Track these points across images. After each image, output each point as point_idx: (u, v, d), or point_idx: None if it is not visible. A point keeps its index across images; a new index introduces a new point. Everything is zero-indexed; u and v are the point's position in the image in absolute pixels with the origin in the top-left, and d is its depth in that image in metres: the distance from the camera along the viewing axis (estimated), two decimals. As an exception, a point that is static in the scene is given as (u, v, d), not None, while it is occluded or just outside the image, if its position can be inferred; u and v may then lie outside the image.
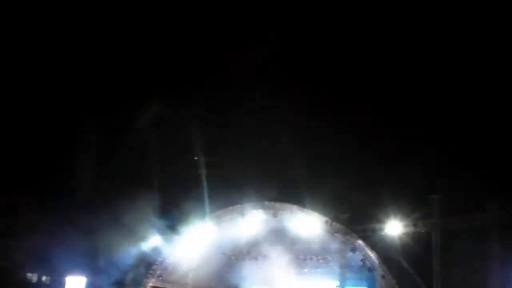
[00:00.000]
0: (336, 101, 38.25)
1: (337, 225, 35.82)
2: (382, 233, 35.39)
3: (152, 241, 40.28)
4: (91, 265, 39.62)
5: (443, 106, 35.18)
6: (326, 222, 35.93)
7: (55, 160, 40.05)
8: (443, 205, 33.66)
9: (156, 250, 39.96)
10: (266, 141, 38.53)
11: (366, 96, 37.49)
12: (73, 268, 40.55)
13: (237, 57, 37.17)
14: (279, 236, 38.52)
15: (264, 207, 37.73)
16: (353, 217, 36.06)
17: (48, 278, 42.14)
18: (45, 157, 40.33)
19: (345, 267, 36.83)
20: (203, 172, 38.76)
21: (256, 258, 39.51)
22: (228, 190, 37.82)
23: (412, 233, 34.69)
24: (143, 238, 40.06)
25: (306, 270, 38.98)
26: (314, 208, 36.40)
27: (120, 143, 39.56)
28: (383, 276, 34.63)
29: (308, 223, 36.70)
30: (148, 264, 39.76)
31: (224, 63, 38.14)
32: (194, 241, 39.40)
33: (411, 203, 34.57)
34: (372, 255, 35.07)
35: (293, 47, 38.48)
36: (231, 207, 38.61)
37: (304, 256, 38.80)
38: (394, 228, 34.89)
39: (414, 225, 34.58)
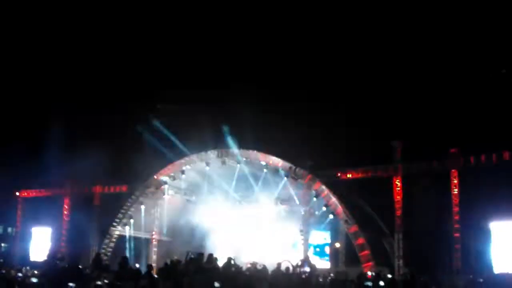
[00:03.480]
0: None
1: (300, 171, 35.87)
2: (345, 179, 35.73)
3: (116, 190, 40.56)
4: (56, 216, 39.79)
5: (404, 54, 34.91)
6: (290, 168, 35.96)
7: (13, 113, 39.65)
8: (404, 150, 33.92)
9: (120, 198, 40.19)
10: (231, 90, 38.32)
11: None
12: (39, 219, 40.81)
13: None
14: (243, 182, 38.67)
15: (228, 154, 37.63)
16: (317, 163, 36.18)
17: (14, 229, 42.35)
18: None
19: (309, 212, 37.17)
20: (167, 119, 38.60)
21: (220, 204, 39.59)
22: (191, 137, 37.68)
23: (374, 178, 35.10)
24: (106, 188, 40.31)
25: (270, 215, 39.24)
26: (278, 154, 36.34)
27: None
28: (346, 221, 34.90)
29: (272, 170, 36.64)
30: (113, 214, 39.94)
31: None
32: (158, 188, 39.61)
33: (373, 149, 34.81)
34: (335, 199, 35.21)
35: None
36: (195, 154, 38.52)
37: (268, 201, 38.98)
38: (357, 173, 35.27)
39: (376, 170, 34.97)
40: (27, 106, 40.15)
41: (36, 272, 28.83)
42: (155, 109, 39.90)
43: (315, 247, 38.90)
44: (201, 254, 20.87)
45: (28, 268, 33.54)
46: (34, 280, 20.01)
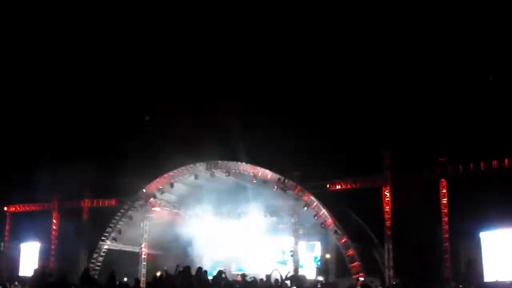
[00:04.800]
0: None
1: (289, 182, 35.78)
2: (334, 190, 35.66)
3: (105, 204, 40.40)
4: (44, 231, 39.64)
5: (391, 64, 35.00)
6: (279, 179, 35.86)
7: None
8: (393, 160, 33.93)
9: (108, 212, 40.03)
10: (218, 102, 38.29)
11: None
12: (27, 235, 40.60)
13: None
14: (232, 194, 38.59)
15: (217, 166, 37.53)
16: (305, 174, 36.12)
17: (3, 244, 42.05)
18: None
19: (299, 224, 37.09)
20: (155, 131, 38.56)
21: (210, 216, 39.51)
22: (181, 149, 37.57)
23: (363, 188, 35.08)
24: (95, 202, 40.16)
25: (259, 227, 39.17)
26: (267, 166, 36.26)
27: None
28: (335, 231, 34.80)
29: (261, 181, 36.55)
30: (101, 228, 39.72)
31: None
32: (146, 202, 39.43)
33: (362, 159, 34.79)
34: (324, 210, 35.12)
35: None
36: (183, 167, 38.40)
37: (257, 213, 38.87)
38: (346, 184, 35.23)
39: (365, 180, 34.97)
40: (14, 121, 39.90)
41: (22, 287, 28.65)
42: (143, 121, 39.77)
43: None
44: (187, 267, 20.69)
45: (16, 283, 33.33)
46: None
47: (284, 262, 37.73)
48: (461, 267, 33.01)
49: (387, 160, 34.04)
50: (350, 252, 34.14)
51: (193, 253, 38.43)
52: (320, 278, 28.04)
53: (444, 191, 32.51)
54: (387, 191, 33.95)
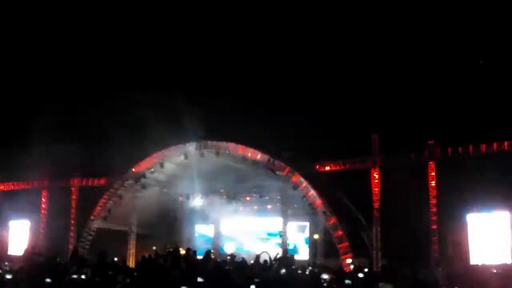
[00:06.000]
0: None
1: (279, 163, 35.87)
2: (323, 171, 35.82)
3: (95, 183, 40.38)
4: (34, 210, 39.62)
5: (380, 45, 35.02)
6: (269, 160, 35.95)
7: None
8: (382, 142, 34.08)
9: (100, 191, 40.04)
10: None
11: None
12: (16, 213, 40.57)
13: None
14: (222, 174, 38.63)
15: (206, 146, 37.53)
16: (295, 155, 36.22)
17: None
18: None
19: (287, 205, 37.25)
20: (145, 111, 38.41)
21: (199, 197, 39.62)
22: (170, 129, 37.50)
23: (352, 170, 35.24)
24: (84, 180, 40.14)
25: (248, 207, 39.29)
26: (257, 146, 36.32)
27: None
28: (324, 212, 34.96)
29: (250, 161, 36.61)
30: (91, 207, 39.74)
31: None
32: (136, 181, 39.43)
33: (351, 142, 34.90)
34: (313, 192, 35.26)
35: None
36: (173, 146, 38.38)
37: (246, 193, 39.02)
38: (335, 166, 35.38)
39: (354, 162, 35.12)
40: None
41: (10, 267, 28.62)
42: (135, 101, 39.63)
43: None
44: (176, 248, 20.83)
45: (6, 263, 33.31)
46: (8, 276, 19.83)
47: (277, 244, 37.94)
48: (448, 249, 33.26)
49: (375, 142, 34.21)
50: (339, 233, 34.39)
51: (183, 233, 38.57)
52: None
53: (433, 173, 32.72)
54: (375, 173, 34.20)
